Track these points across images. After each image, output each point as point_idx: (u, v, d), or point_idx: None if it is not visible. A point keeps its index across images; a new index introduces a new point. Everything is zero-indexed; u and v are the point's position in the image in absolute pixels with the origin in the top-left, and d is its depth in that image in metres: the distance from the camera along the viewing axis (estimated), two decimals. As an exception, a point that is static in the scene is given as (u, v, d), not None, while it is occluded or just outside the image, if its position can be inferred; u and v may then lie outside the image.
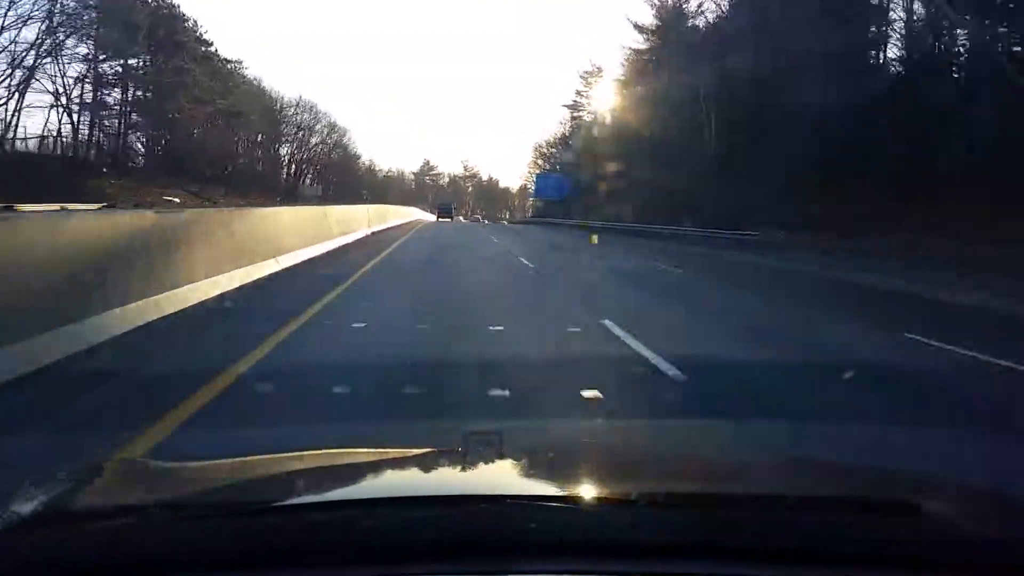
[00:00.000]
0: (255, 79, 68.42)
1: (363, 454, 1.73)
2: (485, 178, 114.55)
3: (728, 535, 1.07)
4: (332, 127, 78.65)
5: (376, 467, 1.53)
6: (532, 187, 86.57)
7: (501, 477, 1.44)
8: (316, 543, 1.03)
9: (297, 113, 74.19)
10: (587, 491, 1.24)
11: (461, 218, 79.85)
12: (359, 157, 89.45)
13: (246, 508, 1.16)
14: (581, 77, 62.55)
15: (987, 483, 2.82)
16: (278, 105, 70.80)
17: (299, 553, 1.02)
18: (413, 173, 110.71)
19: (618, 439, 3.64)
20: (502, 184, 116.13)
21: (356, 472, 1.47)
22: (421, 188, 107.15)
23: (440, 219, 56.61)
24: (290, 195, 60.20)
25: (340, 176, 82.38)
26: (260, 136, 69.12)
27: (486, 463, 1.46)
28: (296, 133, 74.38)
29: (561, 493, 1.26)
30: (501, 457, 1.48)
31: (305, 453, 1.74)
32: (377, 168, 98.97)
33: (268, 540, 1.04)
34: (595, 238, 27.81)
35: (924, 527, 1.14)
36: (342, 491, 1.33)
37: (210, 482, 1.42)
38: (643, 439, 3.68)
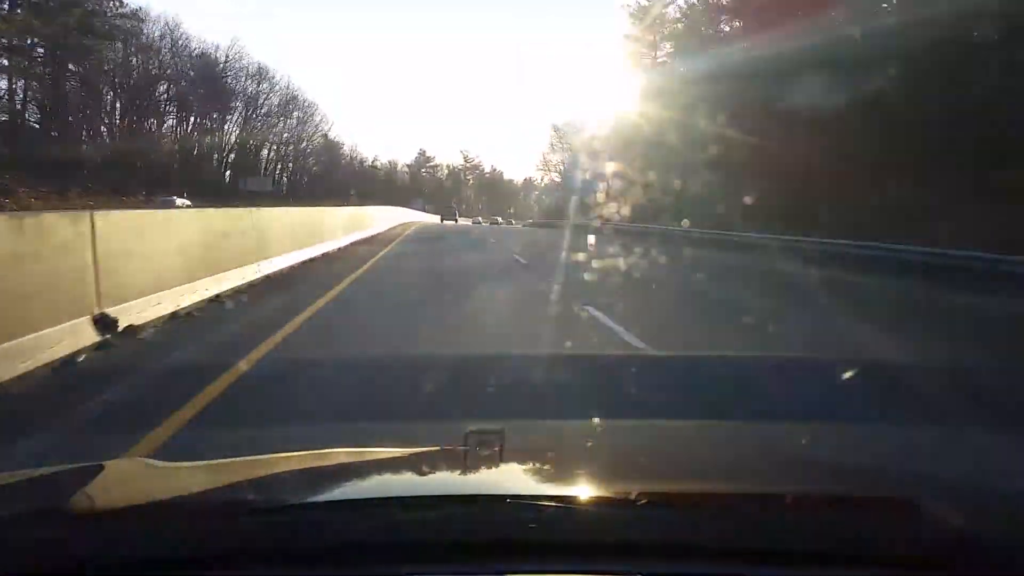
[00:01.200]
0: (170, 19, 44.73)
1: (363, 454, 1.73)
2: (488, 170, 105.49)
3: (728, 535, 1.08)
4: (291, 99, 59.07)
5: (376, 467, 1.53)
6: (541, 179, 73.50)
7: (502, 477, 1.44)
8: (316, 543, 1.03)
9: (228, 72, 50.04)
10: (587, 491, 1.25)
11: (480, 219, 69.02)
12: (338, 143, 73.74)
13: (246, 508, 1.16)
14: (632, 15, 41.01)
15: (986, 482, 2.82)
16: (217, 60, 46.66)
17: (299, 553, 1.02)
18: (407, 165, 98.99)
19: (618, 439, 3.64)
20: (507, 176, 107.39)
21: (356, 472, 1.47)
22: (417, 182, 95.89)
23: (444, 221, 55.55)
24: (225, 191, 41.21)
25: (316, 167, 66.79)
26: (172, 105, 45.20)
27: (487, 463, 1.46)
28: (235, 103, 51.62)
29: (561, 493, 1.26)
30: (502, 457, 1.48)
31: (305, 453, 1.74)
32: (362, 158, 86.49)
33: (268, 540, 1.05)
34: None
35: (923, 527, 1.15)
36: (342, 491, 1.33)
37: (210, 482, 1.42)
38: (642, 439, 3.68)
